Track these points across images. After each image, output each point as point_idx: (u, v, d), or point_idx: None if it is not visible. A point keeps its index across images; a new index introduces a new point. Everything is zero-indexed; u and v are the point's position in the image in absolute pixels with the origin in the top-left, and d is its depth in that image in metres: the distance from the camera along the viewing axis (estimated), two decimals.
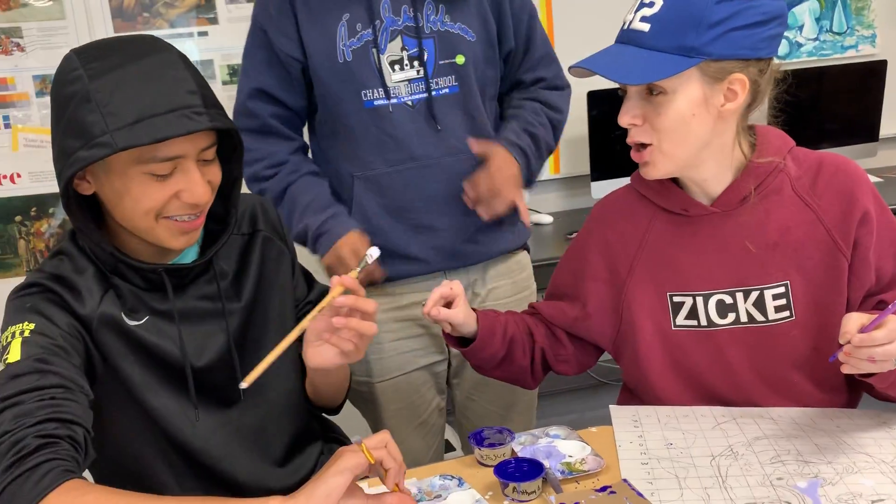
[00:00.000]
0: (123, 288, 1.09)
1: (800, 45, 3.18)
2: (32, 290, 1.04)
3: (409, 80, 1.44)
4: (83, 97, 0.96)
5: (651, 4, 1.06)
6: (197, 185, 1.03)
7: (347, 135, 1.48)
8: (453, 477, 1.13)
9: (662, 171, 1.14)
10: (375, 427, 1.66)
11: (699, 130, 1.10)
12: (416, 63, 1.44)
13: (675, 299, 1.20)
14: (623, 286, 1.24)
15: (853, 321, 0.99)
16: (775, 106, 1.17)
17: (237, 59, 1.99)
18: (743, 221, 1.16)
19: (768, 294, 1.16)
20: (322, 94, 1.47)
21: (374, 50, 1.43)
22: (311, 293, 1.33)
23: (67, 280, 1.06)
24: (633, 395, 1.30)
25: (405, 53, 1.44)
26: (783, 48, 3.15)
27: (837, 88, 3.06)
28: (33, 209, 2.19)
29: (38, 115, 2.10)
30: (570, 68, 1.13)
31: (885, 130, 3.20)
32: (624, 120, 1.10)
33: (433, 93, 1.45)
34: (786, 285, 1.16)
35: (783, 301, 1.16)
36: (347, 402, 1.48)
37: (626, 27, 1.09)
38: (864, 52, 3.31)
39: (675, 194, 1.20)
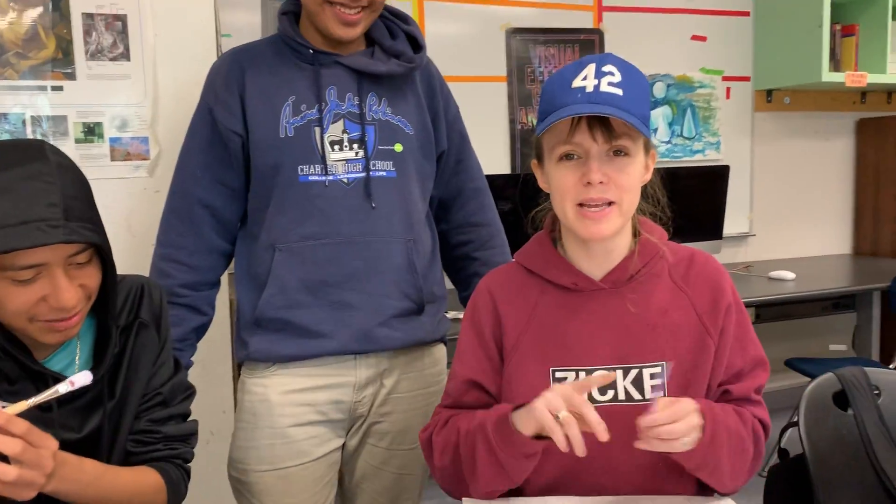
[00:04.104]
0: (4, 368, 1.07)
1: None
2: None
3: (347, 160, 1.48)
4: None
5: (612, 73, 1.12)
6: (62, 290, 1.01)
7: (277, 207, 1.47)
8: None
9: (614, 230, 1.16)
10: None
11: (638, 195, 1.18)
12: (355, 145, 1.48)
13: (558, 374, 1.20)
14: (506, 361, 1.23)
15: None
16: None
17: (94, 118, 1.89)
18: (628, 300, 1.20)
19: (646, 373, 1.19)
20: (258, 166, 1.47)
21: (316, 129, 1.46)
22: (165, 385, 1.24)
23: None
24: None
25: (346, 136, 1.48)
26: None
27: (687, 188, 3.28)
28: None
29: None
30: (574, 115, 1.10)
31: (727, 230, 3.46)
32: (596, 177, 1.12)
33: (371, 173, 1.48)
34: (662, 366, 1.19)
35: (659, 381, 1.19)
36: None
37: (594, 90, 1.11)
38: (710, 157, 3.59)
39: (567, 269, 1.22)
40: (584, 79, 1.12)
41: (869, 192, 3.94)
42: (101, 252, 1.07)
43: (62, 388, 0.98)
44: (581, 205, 1.14)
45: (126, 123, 1.91)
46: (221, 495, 1.68)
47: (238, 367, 1.64)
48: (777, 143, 3.79)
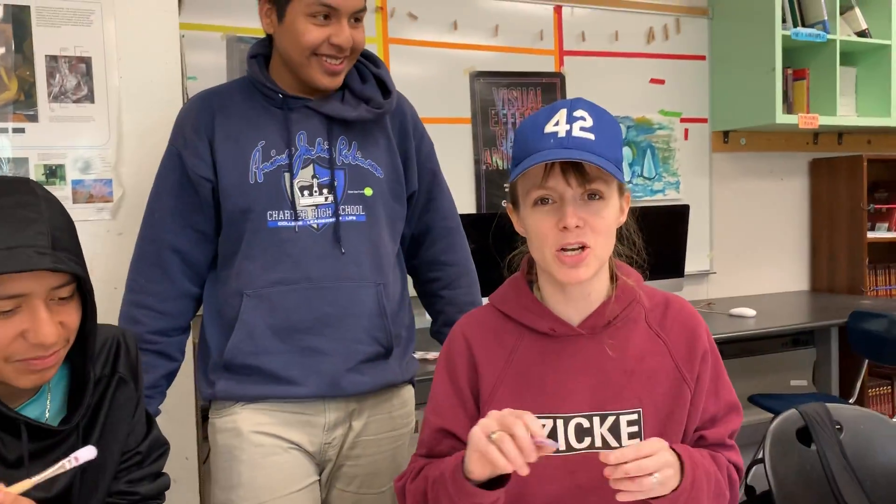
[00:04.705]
0: None
1: None
2: None
3: (317, 206, 1.47)
4: None
5: (583, 118, 1.14)
6: (43, 324, 0.97)
7: (246, 253, 1.46)
8: None
9: (590, 274, 1.17)
10: None
11: (614, 239, 1.19)
12: (325, 190, 1.48)
13: None
14: (483, 409, 1.21)
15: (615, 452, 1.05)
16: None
17: (57, 160, 1.87)
18: (607, 345, 1.20)
19: (623, 420, 1.18)
20: (228, 212, 1.47)
21: (286, 174, 1.46)
22: (143, 443, 1.22)
23: None
24: None
25: (315, 181, 1.47)
26: None
27: (648, 227, 3.33)
28: None
29: None
30: (547, 161, 1.11)
31: (688, 268, 3.52)
32: (572, 221, 1.12)
33: (340, 218, 1.48)
34: (638, 412, 1.19)
35: (635, 428, 1.18)
36: None
37: (566, 135, 1.12)
38: (670, 197, 3.66)
39: (545, 314, 1.22)
40: (556, 124, 1.14)
41: (823, 229, 4.04)
42: (82, 291, 1.04)
43: (68, 465, 0.96)
44: (561, 249, 1.14)
45: (89, 165, 1.89)
46: None
47: (203, 411, 1.61)
48: (734, 182, 3.88)
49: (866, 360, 3.32)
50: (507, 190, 3.24)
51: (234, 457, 1.47)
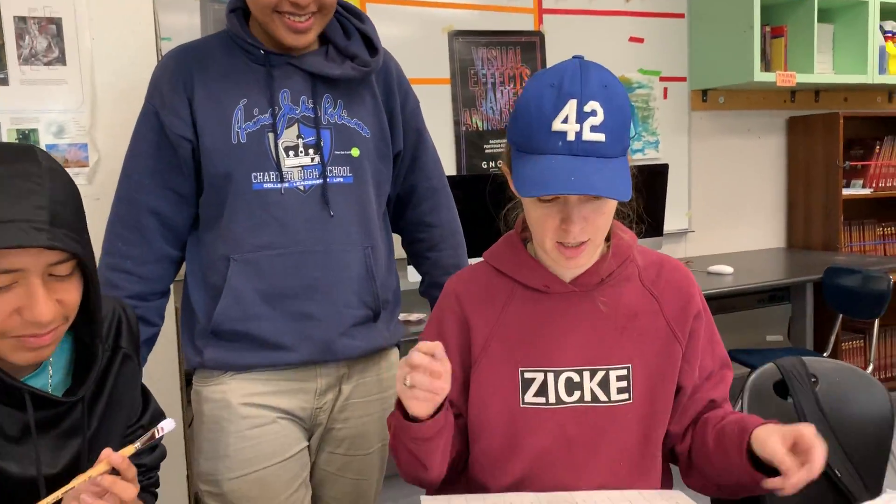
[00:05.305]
0: None
1: None
2: None
3: (303, 167, 1.43)
4: None
5: (594, 113, 1.07)
6: (38, 302, 0.93)
7: (230, 216, 1.43)
8: None
9: (588, 260, 1.20)
10: None
11: (612, 217, 1.19)
12: (311, 151, 1.44)
13: (527, 375, 1.21)
14: (475, 364, 1.23)
15: (778, 447, 1.06)
16: None
17: (29, 124, 1.84)
18: (599, 301, 1.22)
19: (613, 375, 1.21)
20: (210, 174, 1.43)
21: (270, 134, 1.42)
22: (143, 416, 1.21)
23: None
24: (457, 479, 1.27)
25: (301, 141, 1.44)
26: None
27: None
28: None
29: None
30: (548, 195, 1.08)
31: (667, 227, 3.55)
32: (576, 228, 1.11)
33: (328, 179, 1.44)
34: (628, 368, 1.21)
35: (624, 383, 1.21)
36: None
37: (575, 139, 1.07)
38: (649, 156, 3.67)
39: (539, 271, 1.23)
40: (565, 121, 1.07)
41: (800, 187, 4.08)
42: (84, 267, 1.00)
43: (157, 434, 1.00)
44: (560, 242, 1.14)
45: (63, 130, 1.86)
46: None
47: (186, 376, 1.60)
48: (713, 141, 3.90)
49: (840, 315, 3.39)
50: (486, 151, 3.24)
51: (222, 428, 1.46)
